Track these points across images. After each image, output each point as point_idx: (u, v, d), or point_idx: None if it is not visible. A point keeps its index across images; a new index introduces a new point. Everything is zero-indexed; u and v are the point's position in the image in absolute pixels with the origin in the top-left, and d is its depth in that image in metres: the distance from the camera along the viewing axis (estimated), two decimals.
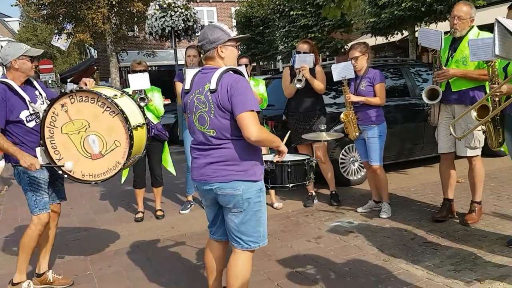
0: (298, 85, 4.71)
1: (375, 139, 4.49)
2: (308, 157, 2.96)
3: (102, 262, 3.84)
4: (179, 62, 11.09)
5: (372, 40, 14.73)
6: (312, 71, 4.80)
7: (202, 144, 2.43)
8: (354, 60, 4.49)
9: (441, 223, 4.14)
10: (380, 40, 14.37)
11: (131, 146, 2.87)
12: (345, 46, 15.53)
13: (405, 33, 13.56)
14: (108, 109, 2.89)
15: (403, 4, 11.53)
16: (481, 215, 4.16)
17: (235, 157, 2.36)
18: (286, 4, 15.27)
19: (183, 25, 10.50)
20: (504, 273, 3.04)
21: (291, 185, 2.85)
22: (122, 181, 5.25)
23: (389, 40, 14.25)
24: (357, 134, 4.54)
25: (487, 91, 3.89)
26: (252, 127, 2.26)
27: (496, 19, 2.68)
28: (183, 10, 10.47)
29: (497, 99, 3.36)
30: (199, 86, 2.42)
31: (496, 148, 3.68)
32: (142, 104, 4.49)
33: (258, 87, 5.07)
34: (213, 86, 2.33)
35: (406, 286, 2.98)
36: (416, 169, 6.50)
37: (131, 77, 4.48)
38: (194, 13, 10.79)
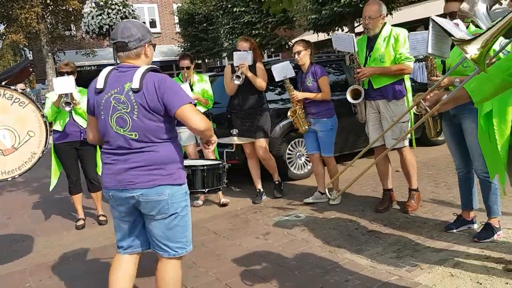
0: (237, 82, 4.71)
1: (327, 132, 4.61)
2: (221, 162, 2.99)
3: (42, 273, 3.64)
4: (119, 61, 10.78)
5: (315, 37, 15.03)
6: (253, 68, 4.81)
7: (120, 148, 2.26)
8: (297, 54, 4.55)
9: (383, 212, 4.29)
10: (322, 36, 14.70)
11: (47, 133, 2.81)
12: (289, 43, 15.75)
13: (346, 29, 13.96)
14: (17, 100, 2.82)
15: (342, 1, 11.87)
16: (420, 202, 4.36)
17: (159, 161, 2.25)
18: (229, 1, 15.26)
19: None
20: (443, 257, 3.19)
21: (207, 189, 2.84)
22: (50, 188, 4.99)
23: (330, 36, 14.61)
24: (306, 127, 4.64)
25: (406, 84, 4.10)
26: (197, 118, 2.22)
27: (431, 18, 2.80)
28: (121, 8, 10.17)
29: (436, 90, 3.51)
30: (116, 85, 2.25)
31: (434, 138, 3.86)
32: (67, 108, 4.32)
33: (202, 84, 5.02)
34: (135, 85, 2.19)
35: (351, 275, 3.06)
36: (359, 161, 6.60)
37: (55, 81, 4.27)
38: (133, 10, 10.52)
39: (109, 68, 2.34)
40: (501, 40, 2.73)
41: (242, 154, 5.60)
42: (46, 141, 2.81)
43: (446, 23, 2.33)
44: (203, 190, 2.84)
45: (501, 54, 2.70)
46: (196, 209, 5.03)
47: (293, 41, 16.19)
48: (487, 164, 2.86)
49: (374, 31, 4.09)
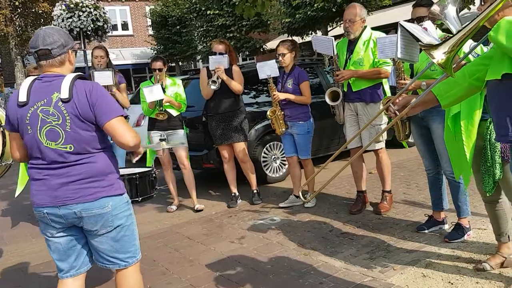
0: (213, 87, 4.68)
1: (304, 135, 4.63)
2: (151, 168, 2.92)
3: (11, 282, 3.51)
4: (90, 64, 10.59)
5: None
6: (229, 71, 4.79)
7: (54, 162, 2.10)
8: (281, 56, 4.56)
9: (357, 214, 4.33)
10: (296, 40, 14.80)
11: (3, 144, 2.70)
12: (264, 46, 15.80)
13: (319, 32, 14.09)
14: None
15: (315, 5, 11.98)
16: (392, 203, 4.42)
17: (99, 172, 2.13)
18: (203, 4, 15.19)
19: (92, 25, 10.01)
20: (415, 258, 3.24)
21: (140, 198, 2.77)
22: (16, 194, 4.83)
23: (304, 40, 14.72)
24: (283, 129, 4.64)
25: (385, 87, 4.17)
26: (127, 133, 2.12)
27: (399, 23, 2.83)
28: (92, 10, 9.98)
29: (404, 94, 3.57)
30: (42, 96, 2.09)
31: (403, 140, 3.92)
32: None
33: (175, 87, 4.97)
34: (65, 94, 2.05)
35: (325, 278, 3.07)
36: (334, 163, 6.63)
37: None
38: (104, 13, 10.34)
39: (30, 78, 2.18)
40: (471, 43, 2.79)
41: (217, 158, 5.57)
42: (2, 152, 2.66)
43: (413, 28, 2.37)
44: (137, 199, 2.75)
45: (470, 57, 2.78)
46: (170, 215, 4.96)
47: (268, 44, 16.31)
48: (453, 165, 2.92)
49: (354, 34, 4.14)
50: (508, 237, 2.91)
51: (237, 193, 5.16)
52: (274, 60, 4.56)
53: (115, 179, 2.21)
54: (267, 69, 4.55)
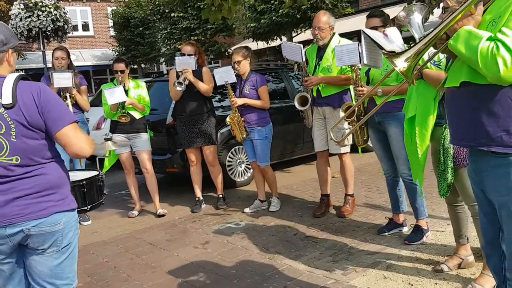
0: (179, 88, 4.62)
1: (262, 141, 4.61)
2: (97, 172, 2.66)
3: None
4: (49, 65, 10.26)
5: (254, 45, 15.20)
6: (198, 72, 4.75)
7: None
8: (237, 64, 4.55)
9: (321, 217, 4.38)
10: (262, 44, 14.90)
11: None
12: (229, 50, 15.81)
13: (284, 38, 14.25)
14: None
15: (280, 11, 12.11)
16: (354, 206, 4.50)
17: (51, 184, 1.92)
18: (167, 6, 15.03)
19: (52, 25, 9.70)
20: (376, 260, 3.30)
21: (89, 206, 2.51)
22: None
23: (269, 45, 14.84)
24: (243, 136, 4.61)
25: (351, 93, 4.26)
26: (83, 142, 1.94)
27: (362, 31, 2.89)
28: (52, 10, 9.68)
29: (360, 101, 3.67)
30: None
31: (362, 145, 4.01)
32: None
33: (139, 90, 4.88)
34: (7, 99, 1.81)
35: (289, 281, 3.08)
36: (298, 167, 6.82)
37: None
38: (64, 13, 10.04)
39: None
40: (429, 50, 2.88)
41: (181, 161, 5.50)
42: None
43: (376, 35, 2.42)
44: (85, 208, 2.52)
45: (429, 64, 2.88)
46: (131, 220, 4.85)
47: (232, 48, 16.32)
48: (411, 167, 3.01)
49: (323, 41, 4.21)
50: (467, 238, 3.01)
51: (201, 198, 5.10)
52: (230, 66, 4.56)
53: (67, 191, 2.01)
54: (224, 75, 4.53)
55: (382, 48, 2.06)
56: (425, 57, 2.08)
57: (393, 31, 3.24)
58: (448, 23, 1.74)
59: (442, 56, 2.83)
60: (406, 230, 3.77)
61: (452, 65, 1.91)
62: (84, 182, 2.44)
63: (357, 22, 13.54)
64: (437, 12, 2.34)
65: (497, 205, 1.84)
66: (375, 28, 3.53)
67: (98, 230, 4.60)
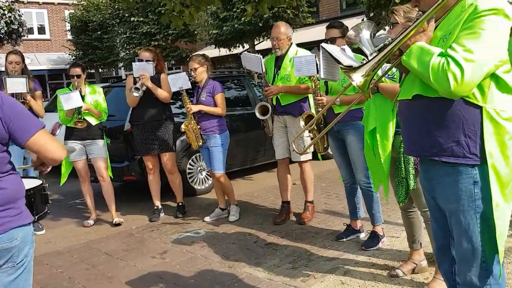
0: (135, 94, 4.54)
1: (218, 148, 4.57)
2: (41, 181, 2.53)
3: None
4: (2, 69, 9.84)
5: (216, 51, 15.18)
6: (157, 79, 4.68)
7: None
8: (193, 71, 4.51)
9: (281, 224, 4.41)
10: (224, 51, 14.90)
11: None
12: (190, 56, 15.70)
13: (246, 46, 14.31)
14: None
15: (242, 19, 12.16)
16: (314, 213, 4.56)
17: (8, 199, 1.81)
18: (126, 10, 14.77)
19: (6, 28, 9.32)
20: (334, 266, 3.35)
21: (37, 217, 2.36)
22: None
23: (232, 52, 14.86)
24: (199, 143, 4.55)
25: (310, 102, 4.33)
26: (56, 146, 1.86)
27: (321, 45, 2.95)
28: (5, 12, 9.31)
29: (320, 109, 3.74)
30: None
31: (322, 152, 4.09)
32: None
33: (95, 95, 4.75)
34: None
35: None
36: (259, 174, 6.84)
37: None
38: (19, 15, 9.68)
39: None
40: (384, 65, 2.98)
41: (139, 169, 5.39)
42: None
43: (334, 50, 2.48)
44: (33, 219, 2.45)
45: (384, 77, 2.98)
46: (87, 229, 4.70)
47: (205, 51, 16.20)
48: (372, 176, 3.10)
49: (281, 51, 4.26)
50: (420, 244, 3.11)
51: (160, 206, 5.01)
52: (185, 73, 4.53)
53: (23, 205, 1.91)
54: (179, 82, 4.49)
55: (339, 63, 2.11)
56: (380, 72, 2.14)
57: (346, 49, 3.34)
58: (401, 39, 1.79)
59: (395, 69, 2.94)
60: (363, 236, 3.85)
61: (405, 79, 1.97)
62: (31, 192, 2.29)
63: (318, 32, 13.79)
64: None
65: (447, 212, 1.91)
66: (334, 39, 3.63)
67: (52, 240, 4.43)
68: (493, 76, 1.71)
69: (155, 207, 4.98)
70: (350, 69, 1.85)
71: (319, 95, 3.70)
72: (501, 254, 1.79)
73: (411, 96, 1.87)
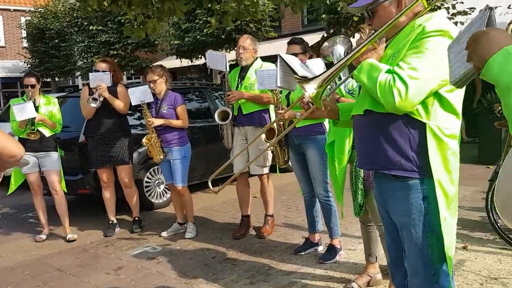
0: (93, 104, 4.42)
1: (180, 161, 4.51)
2: None
3: None
4: None
5: (178, 62, 15.07)
6: (113, 90, 4.58)
7: None
8: (153, 83, 4.44)
9: (240, 239, 4.37)
10: (186, 62, 14.82)
11: None
12: (150, 66, 15.49)
13: None
14: None
15: (205, 30, 12.16)
16: (274, 227, 4.57)
17: None
18: (85, 19, 14.44)
19: None
20: (292, 279, 3.36)
21: None
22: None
23: (194, 63, 14.80)
24: (161, 157, 4.47)
25: (271, 114, 4.36)
26: (11, 142, 1.65)
27: (279, 55, 3.00)
28: None
29: (281, 122, 3.78)
30: None
31: (283, 166, 4.12)
32: None
33: (50, 106, 4.60)
34: None
35: None
36: (219, 187, 6.76)
37: None
38: None
39: None
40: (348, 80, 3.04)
41: (94, 182, 5.23)
42: None
43: (291, 60, 2.52)
44: None
45: (343, 91, 3.05)
46: (38, 244, 4.51)
47: (166, 62, 15.97)
48: (334, 188, 3.13)
49: (246, 61, 4.27)
50: (376, 257, 3.17)
51: (115, 221, 4.86)
52: (147, 86, 4.43)
53: None
54: (140, 95, 4.38)
55: (295, 73, 2.14)
56: (334, 85, 2.19)
57: (316, 62, 3.40)
58: (353, 55, 1.86)
59: (355, 85, 3.02)
60: (321, 249, 3.89)
61: (358, 95, 2.03)
62: None
63: (280, 46, 13.97)
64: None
65: (398, 225, 1.96)
66: (295, 54, 3.68)
67: (3, 255, 4.24)
68: (437, 95, 1.79)
69: (110, 222, 4.83)
70: (304, 79, 1.89)
71: (280, 108, 3.72)
72: (450, 267, 1.85)
73: (363, 111, 1.92)
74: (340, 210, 3.18)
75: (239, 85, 4.33)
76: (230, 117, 4.30)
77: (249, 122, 4.33)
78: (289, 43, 3.83)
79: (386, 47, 1.93)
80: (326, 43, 2.66)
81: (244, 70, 4.33)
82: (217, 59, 4.28)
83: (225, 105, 4.37)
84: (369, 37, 1.90)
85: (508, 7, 10.23)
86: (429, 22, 1.79)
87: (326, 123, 3.55)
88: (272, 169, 4.65)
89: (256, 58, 4.35)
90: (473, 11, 9.87)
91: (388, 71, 1.76)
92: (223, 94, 4.37)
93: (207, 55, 4.41)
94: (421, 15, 1.88)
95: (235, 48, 4.43)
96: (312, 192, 3.82)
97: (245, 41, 4.26)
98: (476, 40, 1.23)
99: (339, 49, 2.61)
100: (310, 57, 3.79)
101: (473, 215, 4.65)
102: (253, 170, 4.43)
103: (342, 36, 2.65)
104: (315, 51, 4.76)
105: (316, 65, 3.36)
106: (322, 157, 3.59)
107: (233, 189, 6.40)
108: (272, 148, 3.98)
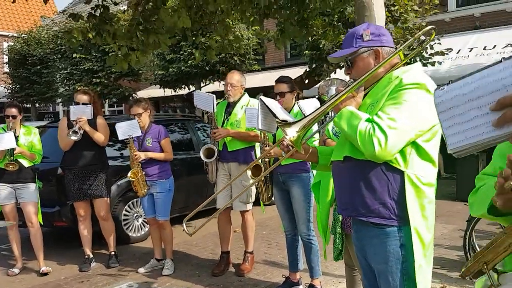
0: (74, 137, 4.37)
1: (164, 194, 4.47)
2: None
3: None
4: None
5: (161, 91, 15.10)
6: (93, 122, 4.55)
7: None
8: (138, 116, 4.43)
9: (219, 276, 4.30)
10: (169, 91, 14.85)
11: None
12: (134, 94, 15.47)
13: (192, 87, 14.36)
14: None
15: (189, 62, 12.27)
16: (253, 264, 4.52)
17: None
18: (70, 47, 14.43)
19: None
20: None
21: None
22: None
23: (177, 93, 14.85)
24: (145, 190, 4.41)
25: (257, 150, 4.37)
26: None
27: (259, 98, 3.05)
28: None
29: (267, 159, 3.79)
30: None
31: (266, 202, 4.11)
32: None
33: (30, 136, 4.54)
34: None
35: None
36: (199, 220, 6.67)
37: None
38: None
39: None
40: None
41: (70, 215, 5.12)
42: None
43: (272, 103, 2.57)
44: None
45: (331, 132, 3.08)
46: (11, 279, 4.38)
47: (138, 93, 15.97)
48: (319, 228, 3.12)
49: (234, 98, 4.29)
50: None
51: (91, 255, 4.75)
52: (135, 120, 4.41)
53: None
54: (128, 130, 4.33)
55: (275, 117, 2.19)
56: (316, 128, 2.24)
57: (309, 102, 3.43)
58: (333, 102, 1.92)
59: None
60: None
61: (337, 141, 2.08)
62: None
63: (263, 78, 14.22)
64: None
65: (376, 272, 1.98)
66: (283, 93, 3.72)
67: None
68: (414, 144, 1.85)
69: (86, 256, 4.72)
70: (285, 123, 1.93)
71: (267, 145, 3.74)
72: None
73: (342, 158, 1.97)
74: (323, 250, 3.17)
75: (225, 121, 4.34)
76: (216, 155, 4.29)
77: (233, 159, 4.33)
78: (276, 82, 3.85)
79: (364, 96, 2.00)
80: (322, 82, 2.74)
81: (231, 106, 4.36)
82: (205, 100, 4.29)
83: (210, 142, 4.37)
84: (349, 85, 1.97)
85: (484, 49, 10.68)
86: (406, 75, 1.87)
87: None
88: (256, 201, 4.63)
89: (243, 94, 4.40)
90: (450, 51, 10.27)
91: (368, 120, 1.82)
92: (210, 130, 4.37)
93: (195, 96, 4.43)
94: (398, 67, 1.97)
95: (219, 79, 4.48)
96: (295, 230, 3.81)
97: (233, 78, 4.31)
98: None
99: (333, 91, 2.69)
100: (297, 95, 3.84)
101: (451, 254, 4.69)
102: (236, 206, 4.40)
103: (339, 78, 2.73)
104: (298, 84, 4.86)
105: (309, 105, 3.38)
106: (306, 195, 3.61)
107: (213, 222, 6.34)
108: (256, 184, 3.97)
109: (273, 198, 4.03)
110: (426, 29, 1.93)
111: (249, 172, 3.89)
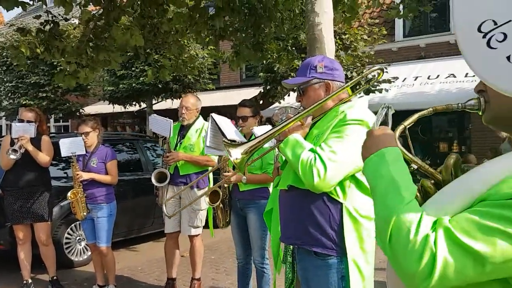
0: (13, 156, 4.12)
1: (105, 219, 4.25)
2: None
3: None
4: None
5: (110, 107, 14.72)
6: (37, 140, 4.31)
7: None
8: (85, 135, 4.25)
9: None
10: (119, 109, 14.49)
11: None
12: (81, 110, 14.97)
13: (143, 104, 14.09)
14: None
15: (141, 78, 12.00)
16: None
17: None
18: (14, 59, 13.77)
19: None
20: None
21: None
22: None
23: (127, 109, 14.51)
24: (85, 214, 4.20)
25: (210, 175, 4.28)
26: None
27: (211, 115, 3.03)
28: None
29: (226, 185, 3.71)
30: None
31: (224, 227, 4.03)
32: None
33: None
34: None
35: None
36: (145, 244, 6.48)
37: None
38: None
39: None
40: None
41: (9, 238, 4.79)
42: None
43: (223, 122, 2.56)
44: None
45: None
46: None
47: (85, 108, 15.44)
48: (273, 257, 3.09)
49: (188, 121, 4.22)
50: None
51: (30, 281, 4.45)
52: (80, 137, 4.23)
53: None
54: (71, 147, 4.16)
55: (224, 135, 2.17)
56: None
57: (264, 128, 3.41)
58: (281, 128, 1.95)
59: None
60: None
61: (284, 170, 2.09)
62: None
63: (218, 97, 14.24)
64: None
65: None
66: (246, 117, 3.66)
67: None
68: (353, 178, 1.90)
69: (25, 281, 4.43)
70: (231, 144, 1.92)
71: (227, 170, 3.68)
72: None
73: (287, 186, 1.98)
74: (273, 279, 3.14)
75: (179, 144, 4.26)
76: (168, 179, 4.18)
77: (184, 183, 4.22)
78: (239, 105, 3.79)
79: (312, 127, 2.03)
80: (277, 110, 2.76)
81: (185, 129, 4.28)
82: (162, 125, 4.17)
83: (162, 166, 4.26)
84: (298, 113, 2.00)
85: (428, 78, 11.29)
86: (350, 110, 1.93)
87: (271, 188, 3.55)
88: (205, 224, 4.52)
89: (198, 117, 4.34)
90: (396, 79, 10.78)
91: (311, 150, 1.86)
92: (163, 154, 4.26)
93: (151, 120, 4.32)
94: (345, 102, 2.02)
95: (172, 97, 4.41)
96: (247, 259, 3.75)
97: (189, 101, 4.25)
98: (366, 137, 1.22)
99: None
100: (260, 120, 3.84)
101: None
102: (185, 230, 4.28)
103: (294, 106, 2.76)
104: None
105: (263, 132, 3.36)
106: (263, 222, 3.54)
107: (160, 246, 6.14)
108: (214, 210, 3.88)
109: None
110: (374, 68, 2.01)
111: (207, 199, 3.79)
